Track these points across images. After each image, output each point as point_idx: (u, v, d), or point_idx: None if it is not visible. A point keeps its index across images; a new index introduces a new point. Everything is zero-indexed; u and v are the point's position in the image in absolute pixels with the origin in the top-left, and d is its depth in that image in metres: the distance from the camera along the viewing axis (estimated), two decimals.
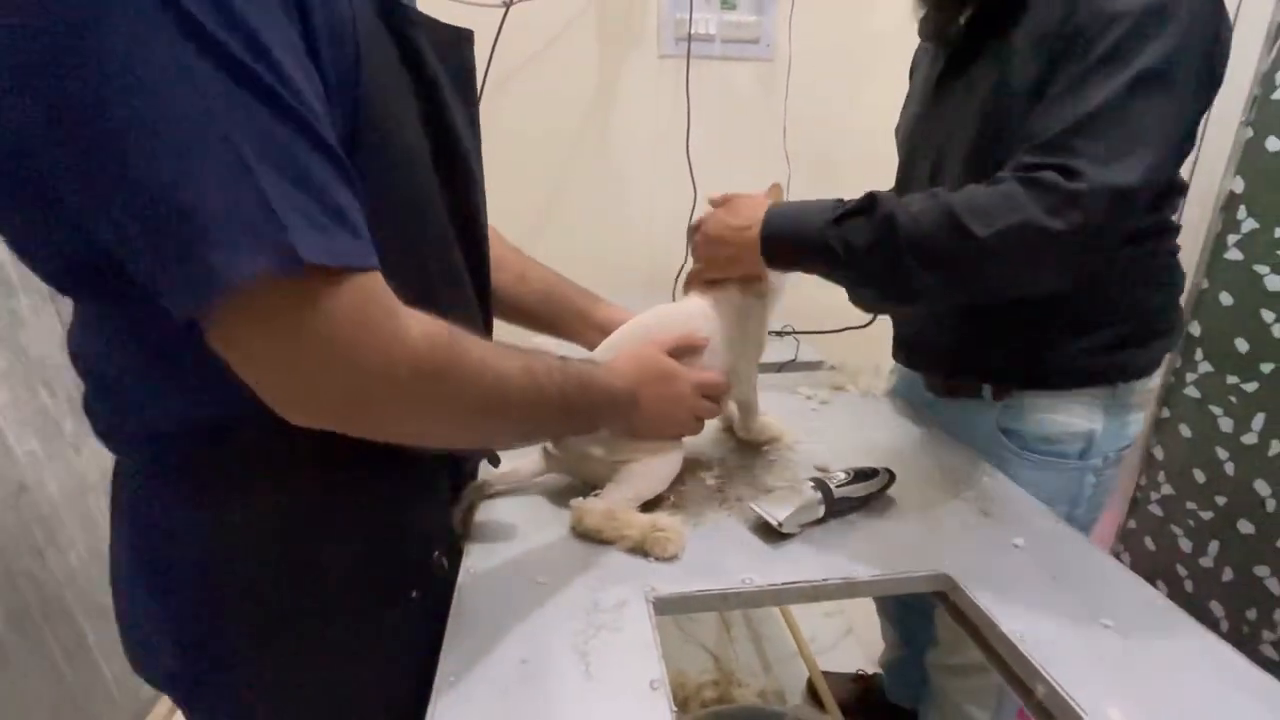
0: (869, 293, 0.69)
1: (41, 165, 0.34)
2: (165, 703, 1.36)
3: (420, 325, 0.42)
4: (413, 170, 0.50)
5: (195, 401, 0.45)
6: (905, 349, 0.92)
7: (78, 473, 1.20)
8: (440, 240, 0.55)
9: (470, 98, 0.57)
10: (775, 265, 0.71)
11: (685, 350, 0.69)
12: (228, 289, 0.32)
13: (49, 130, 0.32)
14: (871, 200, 0.64)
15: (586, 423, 0.60)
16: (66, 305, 1.38)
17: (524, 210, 1.57)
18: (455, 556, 0.61)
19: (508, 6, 1.33)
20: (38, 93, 0.31)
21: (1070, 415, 0.77)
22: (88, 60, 0.30)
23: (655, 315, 0.74)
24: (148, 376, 0.45)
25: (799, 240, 0.67)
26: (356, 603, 0.52)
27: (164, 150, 0.30)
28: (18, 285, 1.10)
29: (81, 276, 0.42)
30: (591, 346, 0.76)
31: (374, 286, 0.39)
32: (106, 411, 0.49)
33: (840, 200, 0.66)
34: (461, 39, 0.56)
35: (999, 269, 0.62)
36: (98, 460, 1.25)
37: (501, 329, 0.73)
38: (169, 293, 0.34)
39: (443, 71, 0.51)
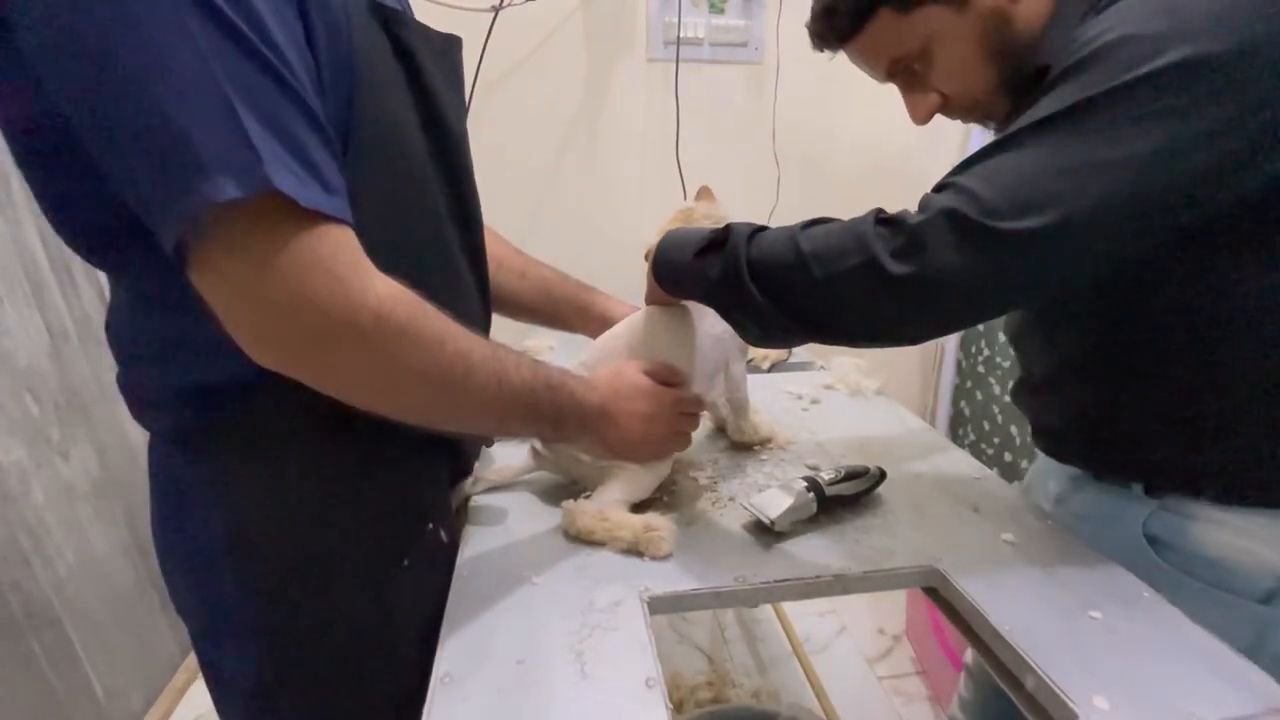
0: (743, 324, 0.62)
1: (63, 110, 0.38)
2: (155, 713, 1.35)
3: (387, 284, 0.44)
4: (409, 161, 0.53)
5: (205, 368, 0.48)
6: (1045, 433, 0.73)
7: (65, 481, 1.19)
8: (436, 230, 0.58)
9: (460, 99, 0.59)
10: (670, 292, 0.69)
11: (664, 375, 0.69)
12: (209, 211, 0.36)
13: (69, 78, 0.37)
14: (726, 232, 0.60)
15: (554, 427, 0.59)
16: (51, 313, 1.37)
17: (513, 214, 1.57)
18: (451, 531, 0.64)
19: (496, 11, 1.33)
20: (63, 44, 0.36)
21: (1255, 541, 0.56)
22: (106, 16, 0.35)
23: (611, 336, 0.74)
24: (161, 345, 0.49)
25: (680, 271, 0.65)
26: (354, 569, 0.54)
27: (165, 91, 0.35)
28: (2, 294, 1.09)
29: (102, 240, 0.46)
30: (592, 337, 0.77)
31: (344, 238, 0.42)
32: (131, 384, 0.53)
33: (714, 230, 0.63)
34: (451, 44, 0.59)
35: (841, 312, 0.55)
36: (85, 469, 1.24)
37: (504, 325, 0.75)
38: (162, 219, 0.38)
39: (435, 72, 0.53)
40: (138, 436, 1.38)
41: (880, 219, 0.53)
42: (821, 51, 0.67)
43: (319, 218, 0.40)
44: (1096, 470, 0.67)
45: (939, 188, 0.53)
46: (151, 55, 0.35)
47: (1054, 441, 0.71)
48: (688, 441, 0.70)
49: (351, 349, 0.43)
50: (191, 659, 1.48)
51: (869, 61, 0.65)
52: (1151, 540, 0.61)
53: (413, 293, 0.46)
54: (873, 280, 0.51)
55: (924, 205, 0.52)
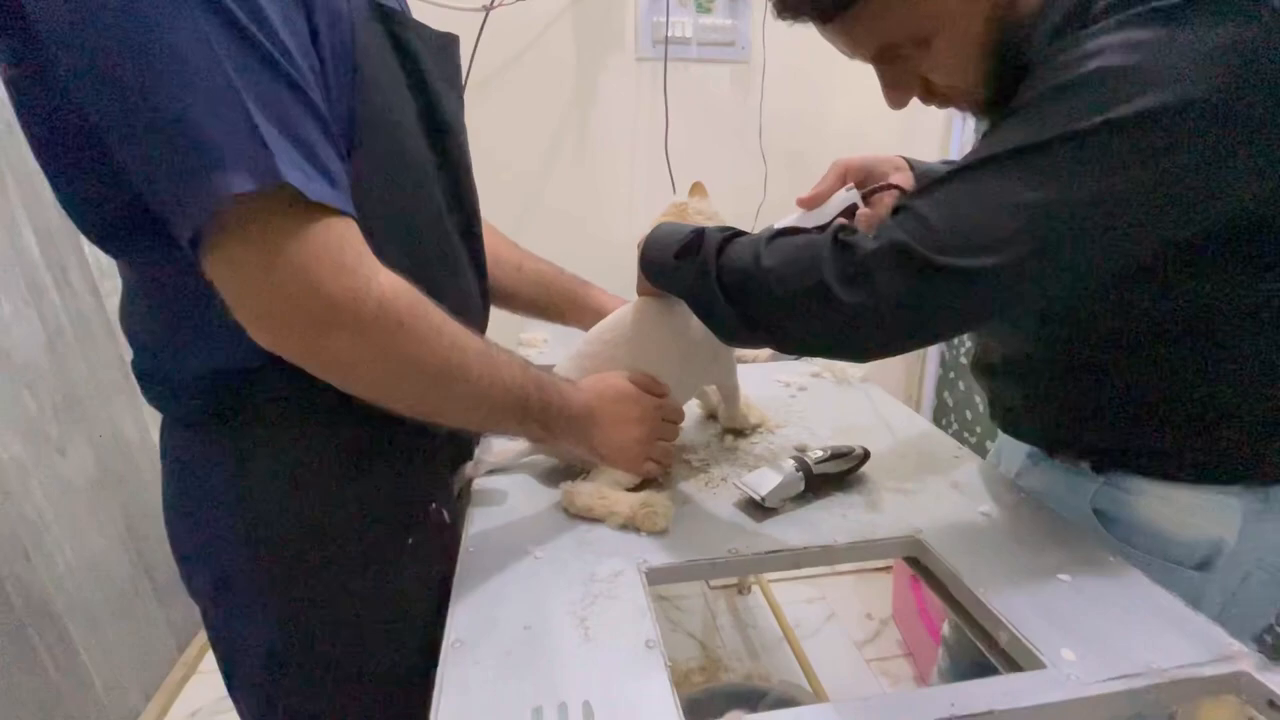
0: (714, 325, 0.63)
1: (81, 106, 0.40)
2: (154, 707, 1.35)
3: (389, 276, 0.46)
4: (410, 156, 0.55)
5: (218, 353, 0.50)
6: (1003, 412, 0.76)
7: (63, 477, 1.20)
8: (437, 223, 0.60)
9: (458, 95, 0.62)
10: (654, 285, 0.71)
11: (647, 384, 0.71)
12: (223, 204, 0.39)
13: (86, 77, 0.38)
14: (699, 238, 0.62)
15: (542, 426, 0.61)
16: (47, 310, 1.37)
17: (504, 210, 1.58)
18: (453, 511, 0.66)
19: (487, 10, 1.35)
20: (84, 47, 0.37)
21: (1191, 514, 0.61)
22: (127, 21, 0.36)
23: (604, 327, 0.76)
24: (175, 330, 0.51)
25: (661, 268, 0.67)
26: (361, 547, 0.56)
27: (181, 90, 0.37)
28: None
29: (116, 229, 0.48)
30: (586, 330, 0.79)
31: (348, 230, 0.44)
32: (145, 368, 0.55)
33: (695, 231, 0.64)
34: (449, 42, 0.61)
35: (795, 327, 0.56)
36: (82, 465, 1.25)
37: (500, 317, 0.77)
38: (178, 211, 0.40)
39: (434, 70, 0.56)
40: (134, 434, 1.39)
41: (837, 239, 0.53)
42: (782, 19, 0.59)
43: (325, 210, 0.42)
44: (1049, 449, 0.71)
45: (897, 209, 0.53)
46: (166, 55, 0.37)
47: (1010, 419, 0.75)
48: (668, 456, 0.72)
49: (352, 337, 0.45)
50: (189, 654, 1.49)
51: (857, 41, 0.59)
52: (1099, 514, 0.66)
53: (412, 286, 0.48)
54: (822, 303, 0.52)
55: (880, 231, 0.52)
